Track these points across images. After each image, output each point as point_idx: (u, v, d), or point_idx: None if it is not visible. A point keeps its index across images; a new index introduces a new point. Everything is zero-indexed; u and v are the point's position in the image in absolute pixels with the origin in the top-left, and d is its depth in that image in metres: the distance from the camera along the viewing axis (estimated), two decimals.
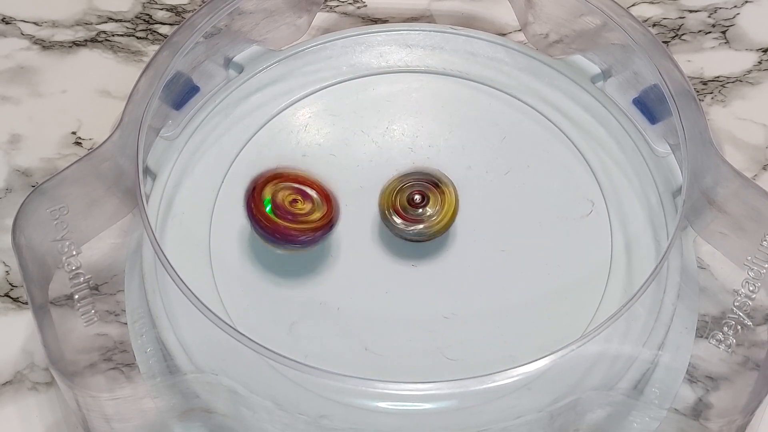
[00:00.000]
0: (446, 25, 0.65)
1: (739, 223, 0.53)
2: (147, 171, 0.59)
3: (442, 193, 0.55)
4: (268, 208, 0.54)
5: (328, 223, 0.55)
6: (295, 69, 0.63)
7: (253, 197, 0.54)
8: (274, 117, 0.61)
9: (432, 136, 0.61)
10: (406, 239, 0.56)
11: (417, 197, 0.55)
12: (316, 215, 0.54)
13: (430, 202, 0.55)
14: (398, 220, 0.55)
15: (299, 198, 0.54)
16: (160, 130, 0.60)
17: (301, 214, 0.54)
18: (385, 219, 0.56)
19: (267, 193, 0.54)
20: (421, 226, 0.55)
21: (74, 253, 0.53)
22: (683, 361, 0.55)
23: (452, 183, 0.56)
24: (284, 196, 0.54)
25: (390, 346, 0.53)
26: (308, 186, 0.55)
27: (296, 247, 0.55)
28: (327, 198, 0.55)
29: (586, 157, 0.59)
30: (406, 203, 0.55)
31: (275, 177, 0.55)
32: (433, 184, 0.56)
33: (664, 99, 0.56)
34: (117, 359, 0.56)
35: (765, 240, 0.52)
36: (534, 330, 0.54)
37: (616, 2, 0.59)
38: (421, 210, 0.55)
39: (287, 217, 0.54)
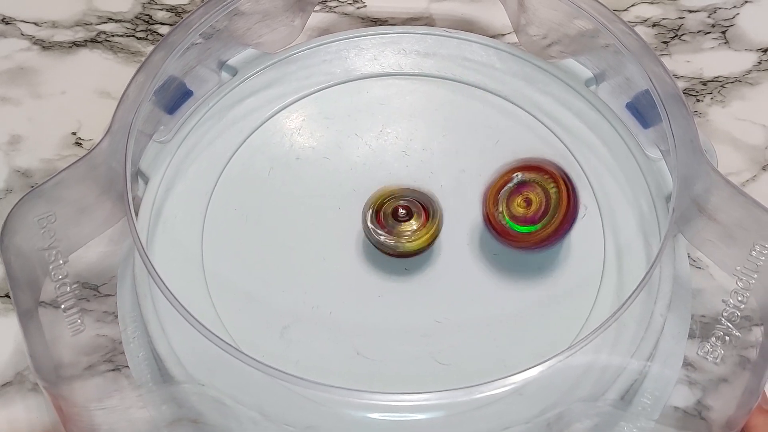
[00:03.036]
0: (440, 29, 0.65)
1: (729, 232, 0.53)
2: (140, 174, 0.59)
3: (427, 220, 0.55)
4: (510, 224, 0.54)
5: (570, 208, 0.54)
6: (288, 72, 0.63)
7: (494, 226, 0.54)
8: (267, 120, 0.61)
9: (426, 140, 0.60)
10: (372, 244, 0.56)
11: (402, 211, 0.55)
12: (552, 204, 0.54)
13: (413, 220, 0.55)
14: (373, 224, 0.55)
15: (525, 197, 0.54)
16: (153, 135, 0.60)
17: (534, 212, 0.54)
18: (363, 215, 0.55)
19: (500, 207, 0.54)
20: (386, 237, 0.55)
21: (61, 261, 0.53)
22: (673, 372, 0.54)
23: (441, 215, 0.56)
24: (514, 202, 0.54)
25: (382, 350, 0.53)
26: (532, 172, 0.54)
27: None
28: (554, 176, 0.54)
29: (579, 161, 0.59)
30: (390, 213, 0.55)
31: (496, 189, 0.54)
32: (424, 207, 0.56)
33: (655, 104, 0.56)
34: (103, 368, 0.56)
35: (754, 250, 0.52)
36: (526, 336, 0.53)
37: (607, 7, 0.59)
38: (399, 224, 0.55)
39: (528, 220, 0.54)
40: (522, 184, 0.54)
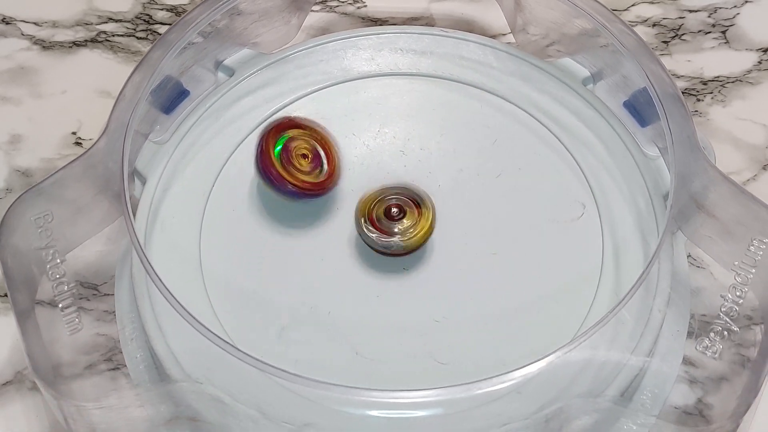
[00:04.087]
0: (436, 28, 0.65)
1: (727, 228, 0.53)
2: (137, 174, 0.59)
3: (420, 212, 0.55)
4: (277, 149, 0.55)
5: (316, 189, 0.56)
6: (285, 72, 0.63)
7: (270, 134, 0.56)
8: (265, 120, 0.61)
9: (423, 139, 0.60)
10: (374, 249, 0.56)
11: (394, 210, 0.55)
12: (310, 178, 0.56)
13: (407, 217, 0.55)
14: (372, 231, 0.55)
15: (309, 156, 0.56)
16: (149, 135, 0.60)
17: (300, 170, 0.55)
18: (358, 226, 0.55)
19: (285, 135, 0.56)
20: (392, 239, 0.55)
21: (58, 261, 0.53)
22: (673, 368, 0.54)
23: (432, 204, 0.56)
24: (297, 146, 0.56)
25: (381, 350, 0.53)
26: (325, 150, 0.57)
27: (282, 194, 0.56)
28: (332, 170, 0.57)
29: (577, 159, 0.59)
30: (383, 215, 0.55)
31: (301, 126, 0.57)
32: (414, 201, 0.55)
33: (653, 102, 0.56)
34: (103, 367, 0.56)
35: (752, 245, 0.52)
36: (525, 334, 0.53)
37: (604, 5, 0.59)
38: (396, 223, 0.55)
39: (286, 166, 0.55)
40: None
